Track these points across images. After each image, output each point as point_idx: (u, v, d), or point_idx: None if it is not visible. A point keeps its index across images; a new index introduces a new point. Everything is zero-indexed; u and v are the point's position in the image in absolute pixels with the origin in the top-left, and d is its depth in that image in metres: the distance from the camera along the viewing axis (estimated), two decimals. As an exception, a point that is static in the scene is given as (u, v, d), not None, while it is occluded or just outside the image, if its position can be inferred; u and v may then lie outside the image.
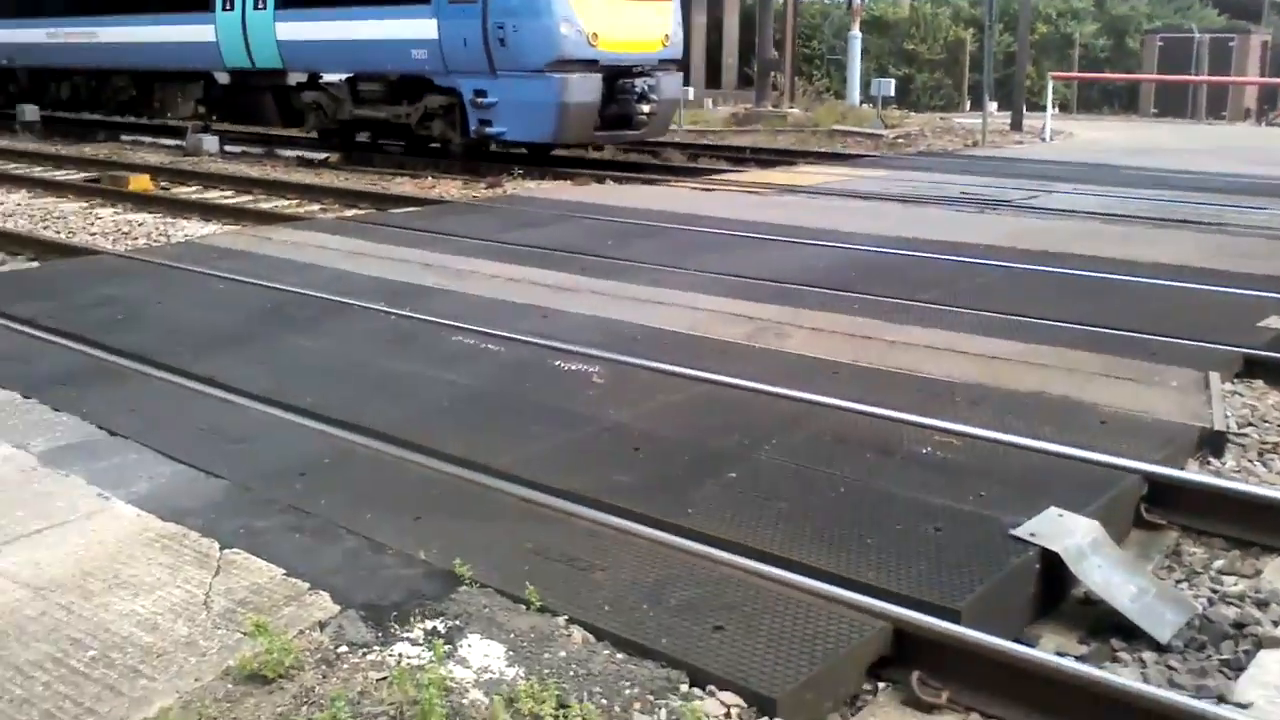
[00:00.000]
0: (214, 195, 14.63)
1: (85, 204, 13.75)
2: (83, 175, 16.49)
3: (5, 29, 24.14)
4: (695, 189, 13.06)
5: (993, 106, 21.84)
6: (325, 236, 9.46)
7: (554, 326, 6.24)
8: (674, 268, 7.88)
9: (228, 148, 20.10)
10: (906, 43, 35.03)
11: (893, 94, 23.11)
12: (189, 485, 4.01)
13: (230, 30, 18.65)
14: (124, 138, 23.11)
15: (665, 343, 5.92)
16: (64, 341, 6.06)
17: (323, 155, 18.83)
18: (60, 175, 16.65)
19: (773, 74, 25.79)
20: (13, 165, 18.00)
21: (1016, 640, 3.17)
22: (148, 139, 22.52)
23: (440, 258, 8.32)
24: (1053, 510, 3.69)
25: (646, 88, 16.04)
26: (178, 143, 20.71)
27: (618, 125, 16.29)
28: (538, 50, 15.05)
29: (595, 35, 15.24)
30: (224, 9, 18.67)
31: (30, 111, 23.92)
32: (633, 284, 7.36)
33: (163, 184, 15.58)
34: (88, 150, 20.46)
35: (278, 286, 7.33)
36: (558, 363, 5.55)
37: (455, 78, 15.97)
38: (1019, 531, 3.56)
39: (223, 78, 19.68)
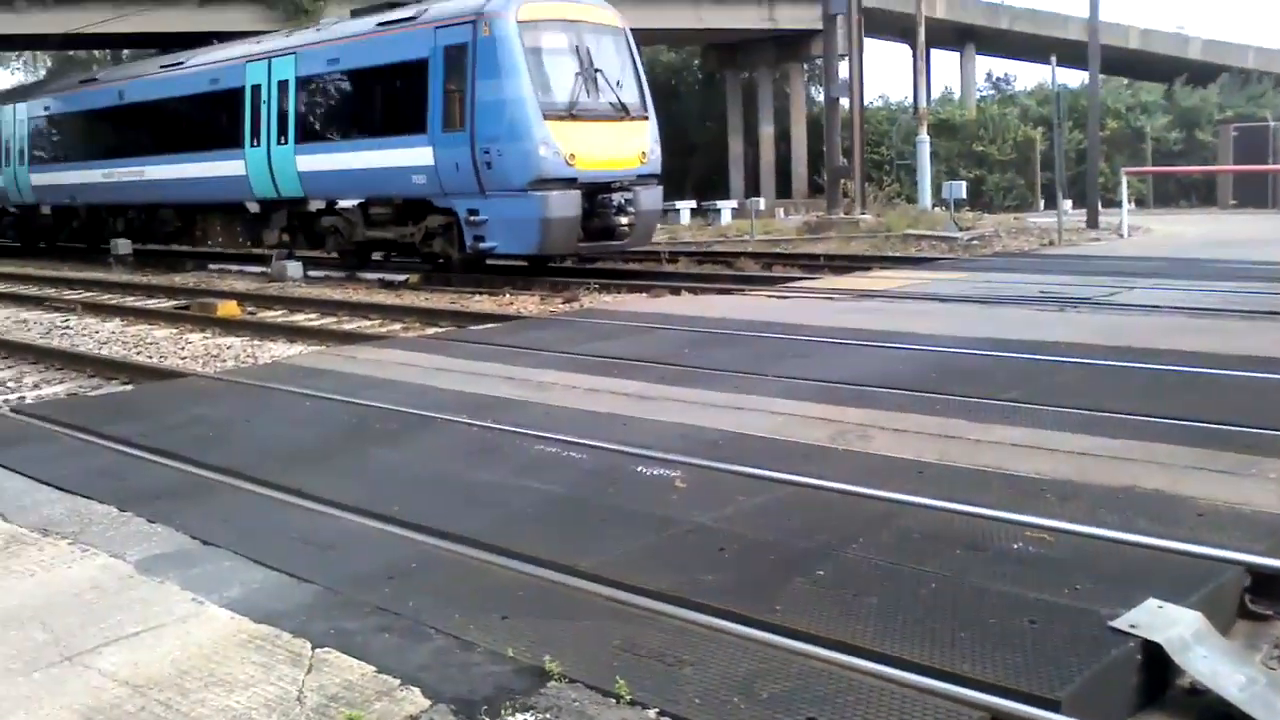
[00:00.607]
0: (299, 318, 15.03)
1: (175, 330, 14.19)
2: (173, 303, 17.09)
3: (67, 170, 26.79)
4: (771, 297, 13.13)
5: (1067, 204, 21.79)
6: (407, 354, 9.64)
7: (635, 434, 6.27)
8: (753, 374, 7.88)
9: (311, 273, 20.67)
10: (975, 144, 35.23)
11: (964, 196, 23.18)
12: (280, 590, 4.06)
13: (258, 164, 20.78)
14: (211, 267, 23.90)
15: (747, 447, 5.91)
16: (157, 459, 6.21)
17: (403, 277, 19.30)
18: (151, 304, 17.25)
19: (843, 181, 26.04)
20: (107, 296, 18.69)
21: (1121, 732, 3.08)
22: (234, 267, 23.25)
23: (520, 371, 8.43)
24: (1152, 602, 3.59)
25: (624, 201, 17.30)
26: (263, 269, 21.35)
27: (601, 236, 17.47)
28: (519, 171, 16.48)
29: (573, 155, 16.57)
30: (252, 145, 20.83)
31: (123, 246, 25.07)
32: (712, 391, 7.38)
33: (249, 309, 16.04)
34: (176, 280, 21.22)
35: (362, 403, 7.46)
36: (640, 468, 5.56)
37: (451, 199, 17.51)
38: (1118, 623, 3.47)
39: (253, 207, 21.63)
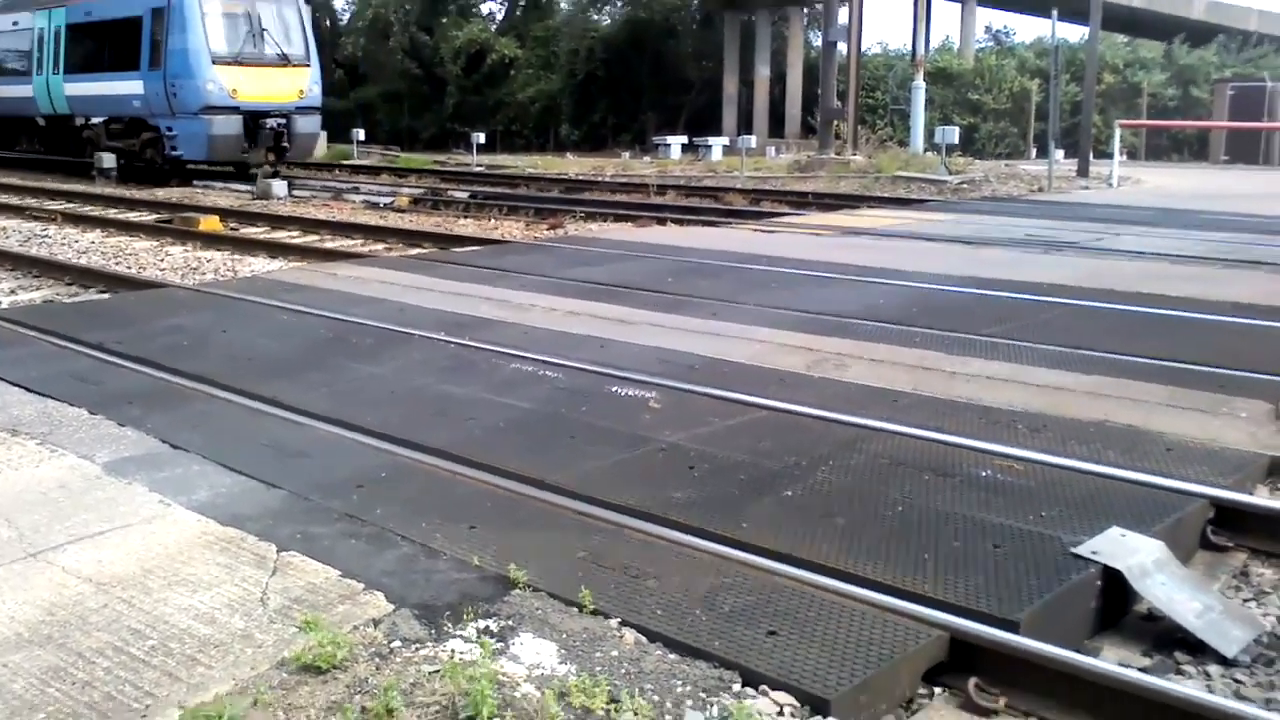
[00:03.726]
0: (281, 235, 14.90)
1: (156, 243, 14.06)
2: (154, 217, 16.92)
3: None
4: (757, 230, 13.08)
5: (1059, 153, 21.66)
6: (388, 272, 9.58)
7: (612, 355, 6.26)
8: (734, 303, 7.87)
9: (296, 192, 20.57)
10: (971, 93, 34.91)
11: (956, 141, 23.00)
12: (248, 494, 4.06)
13: (41, 89, 27.14)
14: (196, 183, 23.79)
15: (723, 371, 5.91)
16: (131, 365, 6.18)
17: (389, 199, 19.18)
18: (133, 217, 17.08)
19: (835, 123, 25.82)
20: (89, 207, 18.52)
21: (1076, 653, 3.10)
22: (218, 184, 23.20)
23: (500, 292, 8.39)
24: (1115, 530, 3.62)
25: (278, 125, 23.43)
26: (248, 188, 21.27)
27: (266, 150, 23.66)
28: (193, 100, 22.47)
29: (235, 90, 22.59)
30: (38, 74, 27.17)
31: (107, 159, 25.00)
32: (692, 317, 7.37)
33: (232, 225, 15.91)
34: (159, 194, 21.04)
35: (340, 317, 7.43)
36: (615, 389, 5.56)
37: (156, 119, 23.45)
38: (1080, 549, 3.49)
39: (41, 121, 28.07)
